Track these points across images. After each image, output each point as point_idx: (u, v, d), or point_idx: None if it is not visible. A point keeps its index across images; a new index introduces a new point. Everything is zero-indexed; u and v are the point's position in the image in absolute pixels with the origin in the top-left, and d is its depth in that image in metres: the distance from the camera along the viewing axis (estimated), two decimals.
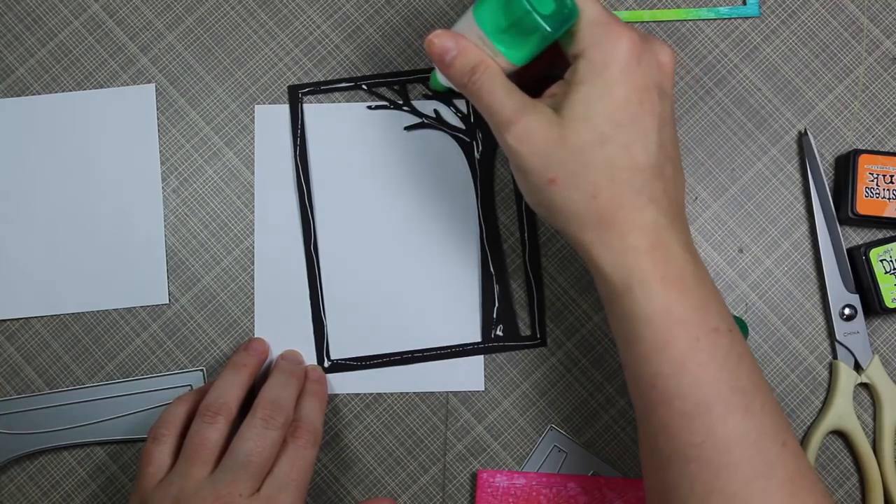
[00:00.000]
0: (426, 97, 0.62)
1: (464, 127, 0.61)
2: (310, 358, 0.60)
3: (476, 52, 0.49)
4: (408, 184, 0.61)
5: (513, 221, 0.61)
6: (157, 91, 0.62)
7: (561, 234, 0.52)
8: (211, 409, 0.53)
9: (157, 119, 0.62)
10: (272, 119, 0.62)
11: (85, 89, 0.62)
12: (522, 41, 0.48)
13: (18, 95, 0.62)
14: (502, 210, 0.61)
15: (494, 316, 0.60)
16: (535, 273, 0.61)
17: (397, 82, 0.62)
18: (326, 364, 0.60)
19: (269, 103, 0.62)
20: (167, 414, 0.55)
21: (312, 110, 0.61)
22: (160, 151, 0.62)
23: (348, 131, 0.61)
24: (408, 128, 0.61)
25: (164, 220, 0.61)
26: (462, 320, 0.60)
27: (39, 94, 0.62)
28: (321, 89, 0.62)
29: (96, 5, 0.63)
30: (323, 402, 0.57)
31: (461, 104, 0.61)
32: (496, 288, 0.60)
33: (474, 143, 0.61)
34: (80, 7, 0.63)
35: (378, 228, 0.61)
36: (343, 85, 0.62)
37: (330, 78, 0.62)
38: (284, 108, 0.61)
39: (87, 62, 0.62)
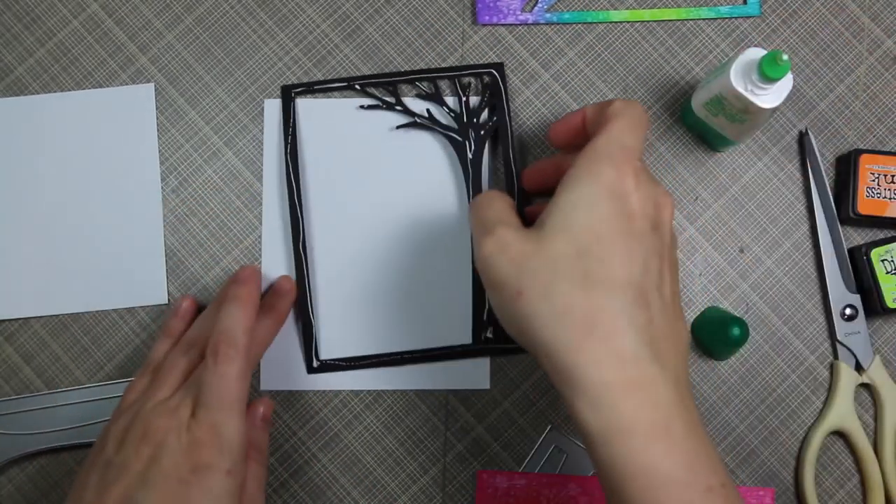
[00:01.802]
0: (419, 97, 0.61)
1: (456, 126, 0.61)
2: (298, 359, 0.60)
3: (489, 192, 0.50)
4: (400, 183, 0.61)
5: None
6: (156, 91, 0.62)
7: (535, 361, 0.47)
8: (185, 342, 0.55)
9: (157, 119, 0.62)
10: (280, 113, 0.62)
11: (84, 89, 0.62)
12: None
13: (17, 95, 0.62)
14: None
15: (485, 318, 0.60)
16: None
17: (390, 83, 0.61)
18: (315, 364, 0.60)
19: (302, 90, 0.62)
20: (153, 349, 0.57)
21: (305, 105, 0.61)
22: (159, 151, 0.62)
23: (341, 128, 0.61)
24: (399, 127, 0.61)
25: (164, 220, 0.61)
26: (455, 322, 0.60)
27: (38, 93, 0.62)
28: (314, 89, 0.61)
29: (95, 4, 0.63)
30: (245, 309, 0.52)
31: (453, 103, 0.61)
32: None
33: (466, 142, 0.61)
34: (79, 6, 0.63)
35: (370, 227, 0.61)
36: (335, 85, 0.61)
37: (330, 77, 0.62)
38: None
39: (86, 62, 0.62)
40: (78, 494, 0.49)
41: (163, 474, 0.47)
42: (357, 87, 0.61)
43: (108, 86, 0.62)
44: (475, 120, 0.61)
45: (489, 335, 0.60)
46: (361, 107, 0.61)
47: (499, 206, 0.48)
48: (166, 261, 0.61)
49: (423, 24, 0.63)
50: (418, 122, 0.61)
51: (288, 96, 0.61)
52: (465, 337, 0.60)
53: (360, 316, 0.60)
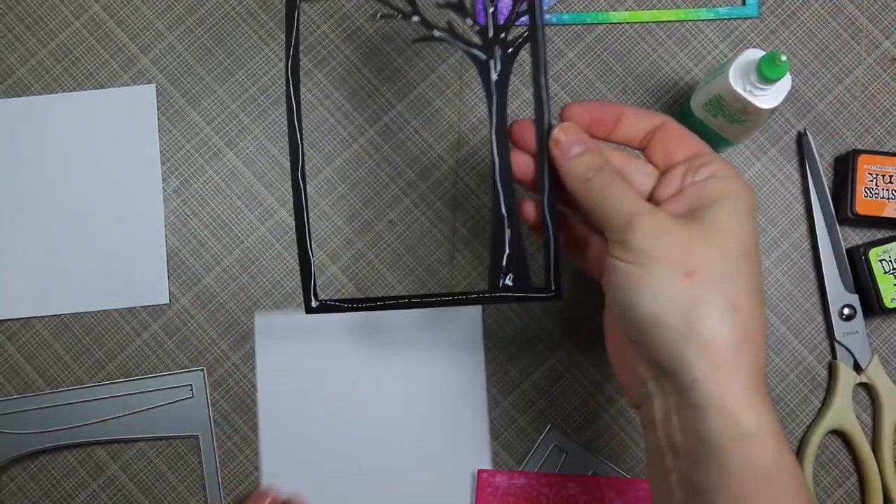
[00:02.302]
0: (439, 5, 0.54)
1: (480, 43, 0.54)
2: (296, 292, 0.60)
3: (604, 152, 0.49)
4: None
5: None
6: (157, 91, 0.62)
7: (650, 345, 0.43)
8: None
9: (158, 119, 0.62)
10: (272, 328, 0.62)
11: (85, 89, 0.62)
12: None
13: (19, 96, 0.62)
14: None
15: (504, 263, 0.53)
16: (552, 217, 0.52)
17: None
18: (314, 304, 0.54)
19: (269, 104, 0.62)
20: None
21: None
22: (161, 152, 0.62)
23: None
24: (416, 40, 0.55)
25: (165, 221, 0.61)
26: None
27: (40, 94, 0.62)
28: None
29: (97, 6, 0.63)
30: None
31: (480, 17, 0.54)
32: (507, 232, 0.53)
33: (491, 61, 0.54)
34: (81, 8, 0.63)
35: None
36: None
37: (329, 79, 0.62)
38: (284, 317, 0.61)
39: (88, 63, 0.63)
40: None
41: None
42: None
43: (109, 86, 0.62)
44: (503, 36, 0.54)
45: (508, 282, 0.54)
46: (374, 15, 0.57)
47: (627, 183, 0.48)
48: (167, 261, 0.61)
49: None
50: (437, 36, 0.54)
51: (293, 2, 0.54)
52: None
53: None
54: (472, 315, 0.60)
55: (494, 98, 0.54)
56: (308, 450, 0.60)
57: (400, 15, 0.54)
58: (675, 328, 0.42)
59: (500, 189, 0.53)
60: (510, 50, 0.54)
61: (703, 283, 0.42)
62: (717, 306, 0.42)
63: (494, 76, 0.54)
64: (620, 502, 0.58)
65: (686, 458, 0.42)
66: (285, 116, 0.62)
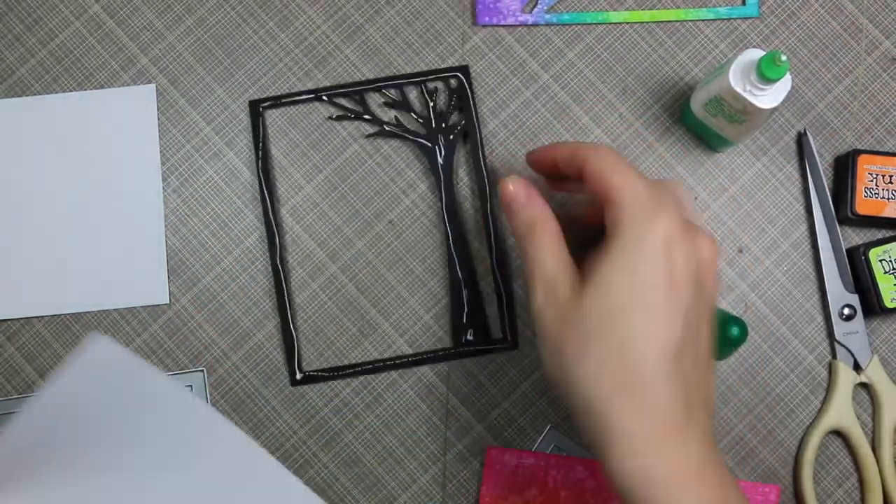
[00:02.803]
0: (386, 105, 0.62)
1: (425, 132, 0.61)
2: (281, 368, 0.60)
3: (540, 210, 0.49)
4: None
5: (478, 226, 0.61)
6: (157, 91, 0.62)
7: (569, 409, 0.47)
8: None
9: (158, 119, 0.62)
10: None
11: (86, 90, 0.62)
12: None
13: (19, 96, 0.62)
14: (471, 216, 0.61)
15: (464, 321, 0.60)
16: (503, 276, 0.60)
17: (357, 92, 0.62)
18: (298, 376, 0.60)
19: (270, 104, 0.62)
20: None
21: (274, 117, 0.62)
22: (161, 152, 0.62)
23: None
24: (369, 136, 0.62)
25: (165, 221, 0.61)
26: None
27: (40, 94, 0.62)
28: (281, 102, 0.62)
29: (97, 6, 0.63)
30: None
31: (421, 109, 0.62)
32: (465, 293, 0.60)
33: (436, 147, 0.61)
34: (81, 8, 0.63)
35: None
36: (303, 97, 0.62)
37: (330, 79, 0.62)
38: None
39: (88, 63, 0.63)
40: None
41: None
42: (324, 98, 0.62)
43: (109, 86, 0.62)
44: (444, 124, 0.61)
45: (469, 337, 0.60)
46: (330, 117, 0.61)
47: (556, 243, 0.48)
48: (167, 261, 0.61)
49: (424, 25, 0.63)
50: (387, 131, 0.61)
51: (256, 111, 0.61)
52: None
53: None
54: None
55: (442, 178, 0.61)
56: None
57: (353, 115, 0.62)
58: (563, 397, 0.46)
59: (454, 255, 0.61)
60: (451, 136, 0.61)
61: (571, 358, 0.44)
62: (584, 376, 0.44)
63: (440, 160, 0.61)
64: None
65: None
66: (285, 117, 0.62)
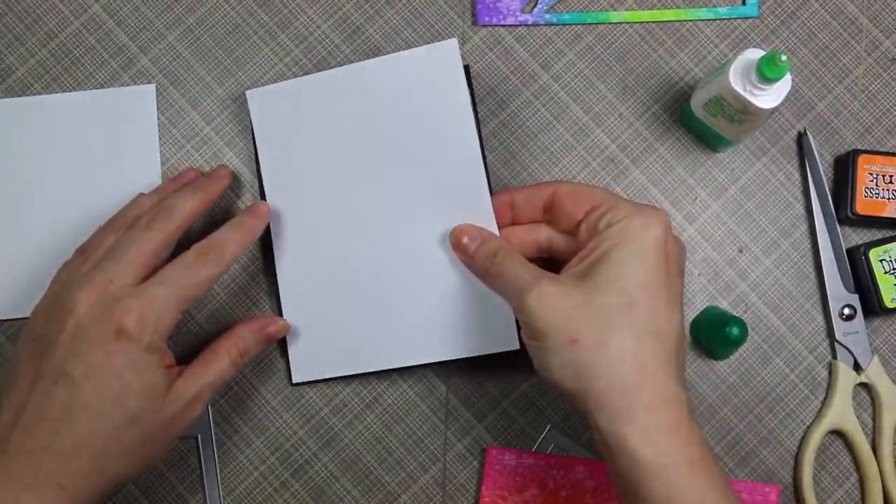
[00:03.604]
0: None
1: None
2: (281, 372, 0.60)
3: (497, 239, 0.53)
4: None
5: None
6: (157, 91, 0.62)
7: (572, 402, 0.48)
8: (113, 219, 0.55)
9: (158, 119, 0.62)
10: (266, 101, 0.60)
11: (85, 89, 0.62)
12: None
13: (19, 96, 0.62)
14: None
15: None
16: None
17: None
18: (294, 381, 0.60)
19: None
20: (121, 212, 0.56)
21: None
22: (161, 152, 0.62)
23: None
24: None
25: None
26: (484, 326, 0.57)
27: (40, 94, 0.62)
28: None
29: (97, 6, 0.63)
30: (246, 235, 0.56)
31: None
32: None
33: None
34: (81, 7, 0.63)
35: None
36: None
37: None
38: (278, 88, 0.60)
39: (88, 62, 0.62)
40: (13, 369, 0.51)
41: (88, 342, 0.49)
42: None
43: (109, 86, 0.62)
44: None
45: None
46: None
47: (520, 257, 0.51)
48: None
49: (424, 25, 0.63)
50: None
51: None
52: (502, 342, 0.57)
53: (340, 328, 0.59)
54: (447, 54, 0.56)
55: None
56: (322, 226, 0.59)
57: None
58: (574, 389, 0.47)
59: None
60: None
61: (587, 347, 0.46)
62: (603, 365, 0.45)
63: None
64: None
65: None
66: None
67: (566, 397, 0.48)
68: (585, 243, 0.49)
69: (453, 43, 0.56)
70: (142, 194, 0.57)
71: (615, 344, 0.45)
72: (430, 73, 0.56)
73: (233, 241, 0.55)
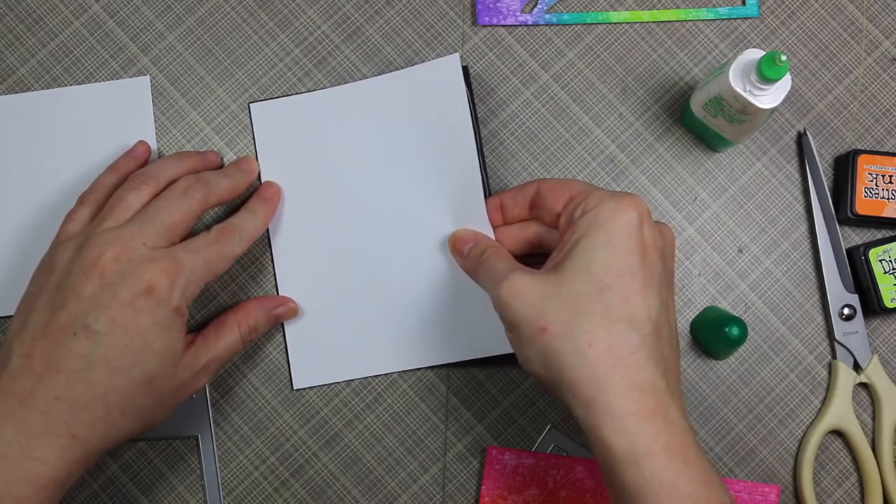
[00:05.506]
0: None
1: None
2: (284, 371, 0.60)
3: (487, 240, 0.55)
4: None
5: None
6: (157, 91, 0.62)
7: (553, 394, 0.48)
8: (138, 178, 0.55)
9: (158, 120, 0.62)
10: (269, 114, 0.62)
11: None
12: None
13: None
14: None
15: None
16: None
17: None
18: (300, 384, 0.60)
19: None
20: (97, 180, 0.56)
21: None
22: (160, 152, 0.62)
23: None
24: None
25: None
26: (480, 330, 0.59)
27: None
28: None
29: (97, 6, 0.63)
30: (263, 218, 0.57)
31: None
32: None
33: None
34: (81, 8, 0.63)
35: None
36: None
37: (330, 79, 0.62)
38: (282, 102, 0.61)
39: (88, 62, 0.63)
40: (24, 317, 0.51)
41: (115, 297, 0.49)
42: None
43: None
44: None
45: None
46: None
47: (504, 254, 0.52)
48: None
49: (424, 25, 0.63)
50: None
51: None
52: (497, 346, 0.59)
53: (344, 332, 0.60)
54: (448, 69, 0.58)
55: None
56: (320, 235, 0.60)
57: None
58: (549, 378, 0.47)
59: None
60: None
61: (555, 335, 0.45)
62: (571, 352, 0.45)
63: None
64: None
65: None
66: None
67: (548, 389, 0.49)
68: (564, 235, 0.50)
69: (455, 59, 0.57)
70: (164, 157, 0.58)
71: (584, 330, 0.45)
72: (432, 89, 0.58)
73: (251, 224, 0.56)
